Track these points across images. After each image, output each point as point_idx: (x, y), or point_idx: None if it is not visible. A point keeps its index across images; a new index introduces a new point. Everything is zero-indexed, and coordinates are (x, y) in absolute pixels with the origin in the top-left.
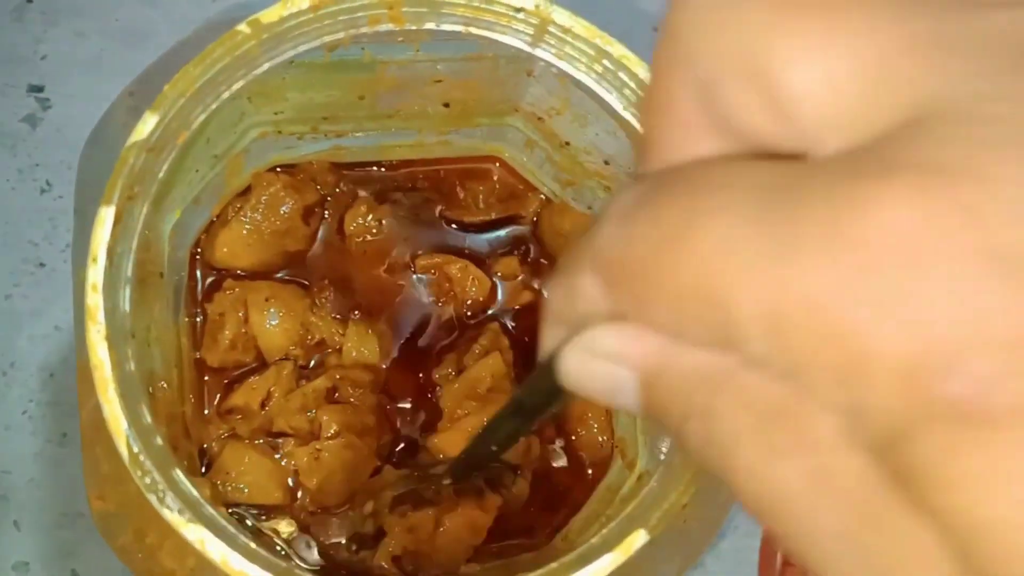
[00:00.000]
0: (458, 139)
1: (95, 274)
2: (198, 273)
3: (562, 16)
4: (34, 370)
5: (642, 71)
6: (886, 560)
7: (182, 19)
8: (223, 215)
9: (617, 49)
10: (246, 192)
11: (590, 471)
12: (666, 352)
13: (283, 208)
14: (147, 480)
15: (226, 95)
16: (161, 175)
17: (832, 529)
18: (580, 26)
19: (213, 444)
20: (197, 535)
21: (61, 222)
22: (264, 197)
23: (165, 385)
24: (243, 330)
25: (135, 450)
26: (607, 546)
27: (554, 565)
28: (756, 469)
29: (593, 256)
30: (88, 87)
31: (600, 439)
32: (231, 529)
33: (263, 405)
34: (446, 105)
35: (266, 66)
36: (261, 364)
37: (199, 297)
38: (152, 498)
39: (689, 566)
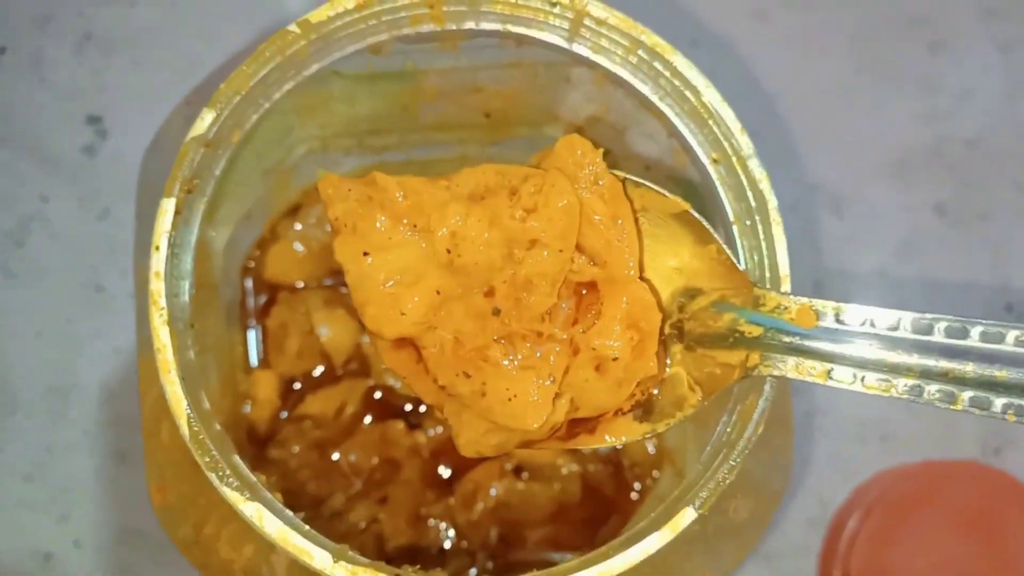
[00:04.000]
0: (500, 152)
1: (157, 262)
2: (250, 288)
3: (596, 8)
4: (94, 391)
5: (676, 59)
6: None
7: (233, 47)
8: (273, 232)
9: (651, 38)
10: (295, 211)
11: (636, 482)
12: None
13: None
14: (207, 459)
15: (277, 95)
16: (218, 172)
17: None
18: (614, 17)
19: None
20: (255, 511)
21: (119, 248)
22: (313, 214)
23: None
24: (308, 337)
25: (195, 430)
26: (654, 525)
27: (602, 548)
28: None
29: None
30: (144, 116)
31: (648, 446)
32: (288, 512)
33: (338, 414)
34: (487, 115)
35: (315, 67)
36: (329, 368)
37: (251, 311)
38: (213, 476)
39: (740, 560)
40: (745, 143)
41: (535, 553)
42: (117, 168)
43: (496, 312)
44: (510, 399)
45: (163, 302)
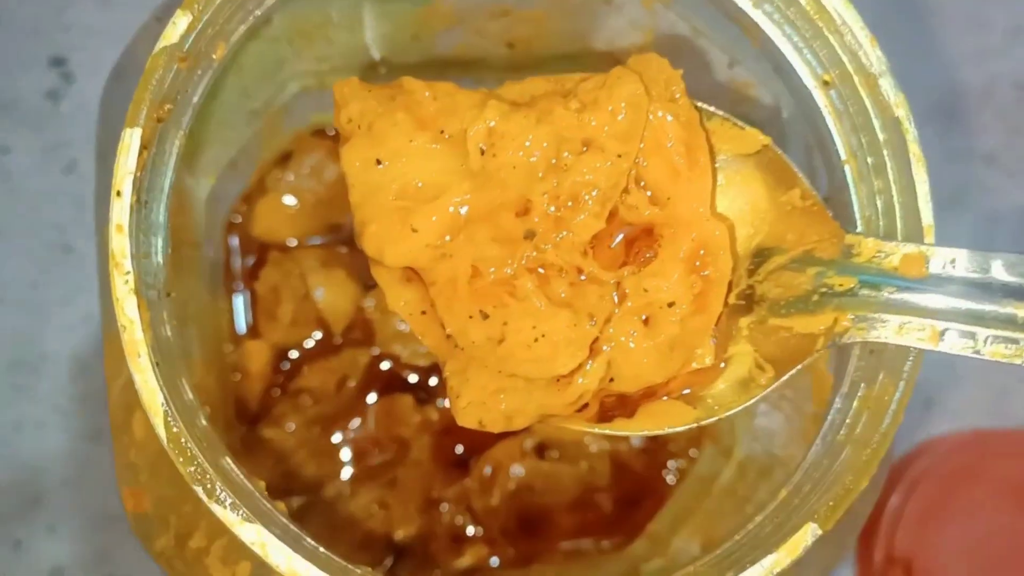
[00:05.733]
0: None
1: (120, 212)
2: (236, 247)
3: None
4: (64, 362)
5: None
6: None
7: None
8: (262, 184)
9: None
10: (286, 160)
11: (671, 460)
12: None
13: (327, 175)
14: (191, 468)
15: (270, 1)
16: (196, 99)
17: None
18: None
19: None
20: (256, 537)
21: (88, 204)
22: (306, 163)
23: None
24: (303, 302)
25: (175, 430)
26: (765, 545)
27: (690, 568)
28: None
29: None
30: (114, 58)
31: None
32: (293, 528)
33: (339, 388)
34: (510, 46)
35: None
36: (327, 336)
37: (237, 274)
38: (199, 490)
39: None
40: (876, 58)
41: (561, 541)
42: (84, 115)
43: (529, 236)
44: (536, 339)
45: (128, 264)
